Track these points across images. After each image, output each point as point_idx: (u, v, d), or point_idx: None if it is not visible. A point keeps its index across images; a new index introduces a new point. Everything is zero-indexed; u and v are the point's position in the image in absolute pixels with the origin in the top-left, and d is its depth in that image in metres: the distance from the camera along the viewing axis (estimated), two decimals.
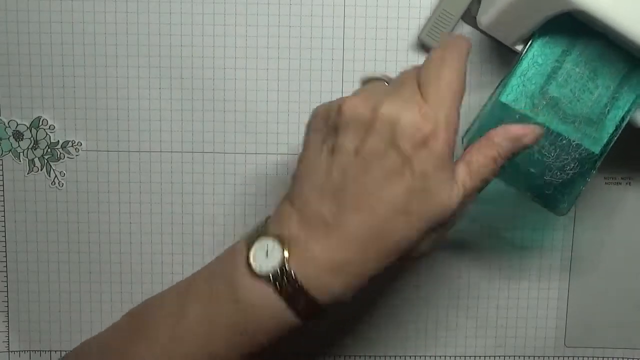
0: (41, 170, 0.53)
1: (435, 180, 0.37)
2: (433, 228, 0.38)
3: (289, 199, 0.40)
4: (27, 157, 0.52)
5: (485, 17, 0.47)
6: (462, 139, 0.46)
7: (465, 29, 0.50)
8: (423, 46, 0.51)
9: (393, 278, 0.55)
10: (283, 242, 0.38)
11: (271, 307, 0.38)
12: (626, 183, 0.53)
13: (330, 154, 0.38)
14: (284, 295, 0.38)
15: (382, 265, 0.38)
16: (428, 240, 0.38)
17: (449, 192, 0.37)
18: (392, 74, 0.51)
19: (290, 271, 0.38)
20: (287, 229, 0.39)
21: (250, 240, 0.39)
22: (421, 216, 0.37)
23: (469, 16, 0.50)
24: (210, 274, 0.41)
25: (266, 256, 0.38)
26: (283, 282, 0.38)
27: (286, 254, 0.38)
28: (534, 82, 0.44)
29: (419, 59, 0.51)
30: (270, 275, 0.38)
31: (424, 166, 0.36)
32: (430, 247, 0.39)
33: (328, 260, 0.38)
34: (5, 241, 0.53)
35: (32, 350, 0.55)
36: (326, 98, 0.51)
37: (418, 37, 0.50)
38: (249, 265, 0.38)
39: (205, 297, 0.40)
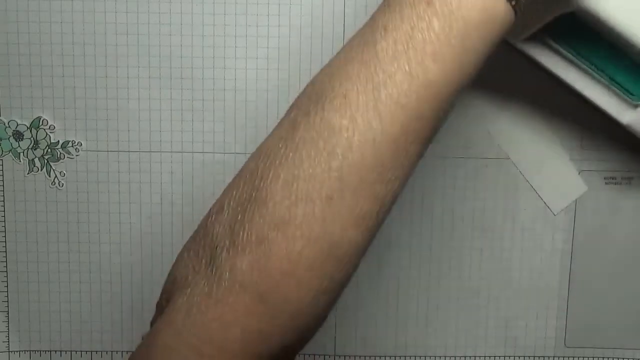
0: (41, 170, 0.53)
1: None
2: None
3: None
4: (27, 157, 0.52)
5: None
6: None
7: None
8: None
9: (392, 277, 0.55)
10: None
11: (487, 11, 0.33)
12: (626, 183, 0.53)
13: None
14: None
15: None
16: None
17: None
18: None
19: None
20: None
21: None
22: None
23: None
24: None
25: None
26: None
27: None
28: None
29: None
30: None
31: None
32: None
33: None
34: (5, 241, 0.53)
35: (32, 350, 0.55)
36: None
37: None
38: None
39: (399, 26, 0.34)
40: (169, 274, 0.38)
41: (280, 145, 0.35)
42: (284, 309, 0.34)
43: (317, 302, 0.35)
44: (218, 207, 0.37)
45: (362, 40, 0.35)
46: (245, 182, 0.36)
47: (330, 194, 0.33)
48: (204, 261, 0.36)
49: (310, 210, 0.33)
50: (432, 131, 0.35)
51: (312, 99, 0.35)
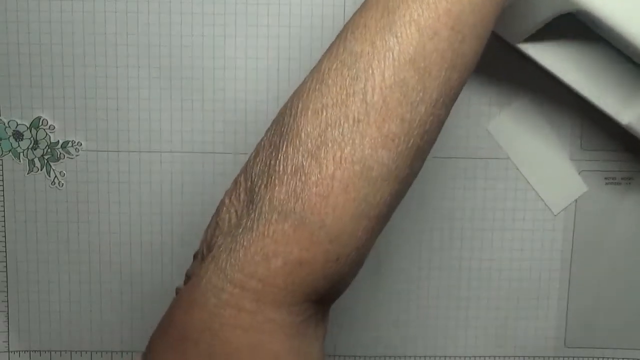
0: (41, 170, 0.53)
1: None
2: None
3: None
4: (27, 157, 0.52)
5: None
6: None
7: None
8: None
9: (392, 277, 0.55)
10: None
11: None
12: (626, 183, 0.53)
13: None
14: None
15: None
16: None
17: None
18: None
19: None
20: None
21: None
22: None
23: None
24: None
25: None
26: None
27: None
28: None
29: None
30: None
31: None
32: None
33: None
34: (5, 241, 0.53)
35: (32, 350, 0.55)
36: None
37: None
38: None
39: None
40: (210, 224, 0.39)
41: (306, 82, 0.37)
42: (323, 235, 0.35)
43: (356, 229, 0.36)
44: (255, 152, 0.38)
45: None
46: (277, 123, 0.38)
47: (357, 116, 0.35)
48: (245, 203, 0.37)
49: (339, 133, 0.35)
50: (452, 56, 0.36)
51: (336, 39, 0.37)
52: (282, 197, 0.35)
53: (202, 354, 0.35)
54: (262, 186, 0.36)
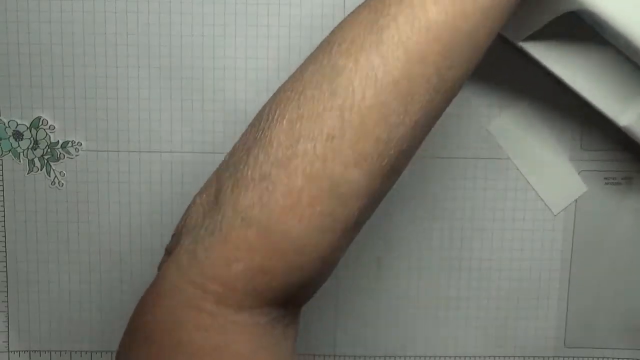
0: (41, 170, 0.53)
1: None
2: None
3: None
4: (27, 157, 0.52)
5: None
6: None
7: None
8: None
9: (392, 277, 0.55)
10: None
11: None
12: (626, 183, 0.53)
13: None
14: None
15: None
16: None
17: None
18: None
19: None
20: None
21: None
22: None
23: None
24: None
25: None
26: None
27: None
28: None
29: None
30: None
31: None
32: None
33: None
34: (5, 241, 0.53)
35: (32, 350, 0.55)
36: None
37: None
38: None
39: None
40: (181, 219, 0.39)
41: (287, 89, 0.36)
42: (286, 245, 0.35)
43: (321, 241, 0.35)
44: (229, 154, 0.38)
45: None
46: (253, 127, 0.37)
47: (332, 132, 0.34)
48: (212, 205, 0.37)
49: (311, 147, 0.34)
50: (437, 81, 0.35)
51: (323, 46, 0.36)
52: (247, 203, 0.35)
53: (166, 354, 0.35)
54: (229, 190, 0.36)
